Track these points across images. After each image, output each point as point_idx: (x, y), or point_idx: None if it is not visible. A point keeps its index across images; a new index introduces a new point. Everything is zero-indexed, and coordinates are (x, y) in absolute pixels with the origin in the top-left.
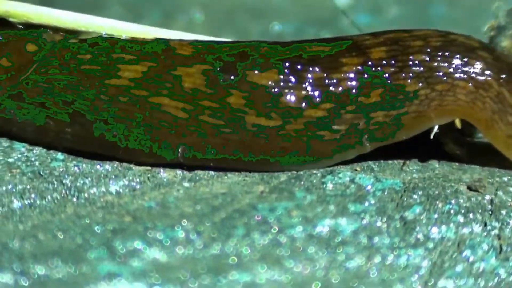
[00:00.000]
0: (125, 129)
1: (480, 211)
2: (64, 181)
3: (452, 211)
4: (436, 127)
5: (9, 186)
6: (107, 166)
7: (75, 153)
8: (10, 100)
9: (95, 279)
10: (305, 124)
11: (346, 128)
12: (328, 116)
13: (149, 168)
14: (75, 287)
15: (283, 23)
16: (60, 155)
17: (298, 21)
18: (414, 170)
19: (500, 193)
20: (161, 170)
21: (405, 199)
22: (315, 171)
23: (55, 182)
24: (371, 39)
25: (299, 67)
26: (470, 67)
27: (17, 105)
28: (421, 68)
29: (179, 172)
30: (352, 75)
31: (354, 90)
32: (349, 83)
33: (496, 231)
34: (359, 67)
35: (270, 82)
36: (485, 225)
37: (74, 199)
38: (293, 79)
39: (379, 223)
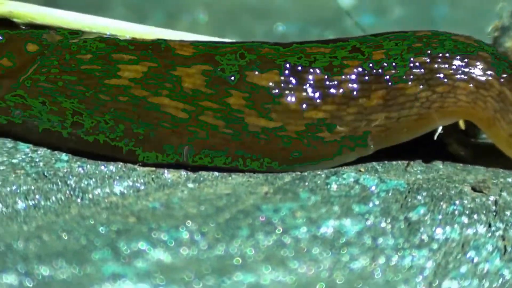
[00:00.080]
0: (125, 129)
1: (484, 212)
2: (68, 182)
3: (456, 212)
4: (440, 128)
5: (14, 187)
6: (112, 167)
7: (80, 154)
8: (11, 100)
9: (99, 280)
10: (306, 126)
11: (347, 130)
12: (329, 118)
13: (153, 169)
14: None
15: (287, 24)
16: (64, 156)
17: (302, 22)
18: (418, 171)
19: (504, 194)
20: (165, 171)
21: (410, 200)
22: (319, 172)
23: (59, 183)
24: (371, 40)
25: (299, 68)
26: (470, 67)
27: (18, 104)
28: (422, 70)
29: (183, 173)
30: (353, 77)
31: (355, 92)
32: (350, 85)
33: (500, 232)
34: (360, 69)
35: (270, 83)
36: (490, 226)
37: (79, 200)
38: (293, 81)
39: (383, 224)
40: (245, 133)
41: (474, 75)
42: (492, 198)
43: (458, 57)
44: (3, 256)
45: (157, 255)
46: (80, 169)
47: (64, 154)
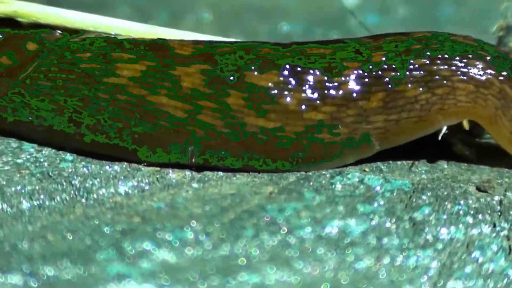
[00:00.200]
0: (123, 128)
1: (489, 212)
2: (73, 182)
3: (461, 212)
4: (445, 128)
5: (18, 187)
6: (116, 167)
7: (84, 154)
8: (12, 99)
9: (104, 280)
10: (305, 127)
11: (347, 132)
12: (329, 119)
13: (158, 169)
14: None
15: (291, 24)
16: (69, 156)
17: (306, 22)
18: (423, 171)
19: (509, 194)
20: (170, 171)
21: (414, 200)
22: (324, 172)
23: (64, 183)
24: (371, 42)
25: (299, 69)
26: (470, 67)
27: (19, 103)
28: (421, 72)
29: (188, 173)
30: (352, 78)
31: (354, 94)
32: (349, 86)
33: (505, 232)
34: (360, 71)
35: (269, 84)
36: (494, 226)
37: (83, 200)
38: (293, 81)
39: (388, 224)
40: (243, 133)
41: (473, 75)
42: (497, 198)
43: (457, 58)
44: (8, 256)
45: (162, 255)
46: (84, 169)
47: (68, 154)
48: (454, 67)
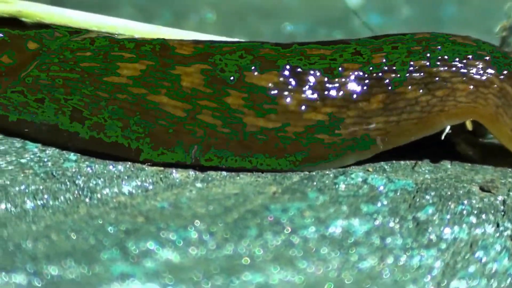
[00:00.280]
0: (124, 127)
1: (492, 211)
2: (77, 182)
3: (464, 212)
4: (448, 127)
5: (22, 187)
6: (120, 166)
7: (88, 153)
8: (13, 98)
9: (108, 280)
10: (305, 127)
11: (347, 133)
12: (329, 120)
13: (162, 168)
14: (88, 287)
15: (294, 24)
16: (72, 156)
17: (310, 22)
18: (427, 171)
19: None
20: (174, 170)
21: (418, 199)
22: (327, 172)
23: (68, 183)
24: (372, 43)
25: (299, 70)
26: (470, 68)
27: (21, 102)
28: (422, 74)
29: (191, 172)
30: (353, 80)
31: (354, 95)
32: (350, 88)
33: (508, 232)
34: (360, 72)
35: (269, 84)
36: (498, 226)
37: (87, 200)
38: (293, 82)
39: (391, 224)
40: (243, 133)
41: (473, 75)
42: (500, 198)
43: (457, 59)
44: (12, 255)
45: (166, 255)
46: (88, 168)
47: (72, 153)
48: (454, 68)
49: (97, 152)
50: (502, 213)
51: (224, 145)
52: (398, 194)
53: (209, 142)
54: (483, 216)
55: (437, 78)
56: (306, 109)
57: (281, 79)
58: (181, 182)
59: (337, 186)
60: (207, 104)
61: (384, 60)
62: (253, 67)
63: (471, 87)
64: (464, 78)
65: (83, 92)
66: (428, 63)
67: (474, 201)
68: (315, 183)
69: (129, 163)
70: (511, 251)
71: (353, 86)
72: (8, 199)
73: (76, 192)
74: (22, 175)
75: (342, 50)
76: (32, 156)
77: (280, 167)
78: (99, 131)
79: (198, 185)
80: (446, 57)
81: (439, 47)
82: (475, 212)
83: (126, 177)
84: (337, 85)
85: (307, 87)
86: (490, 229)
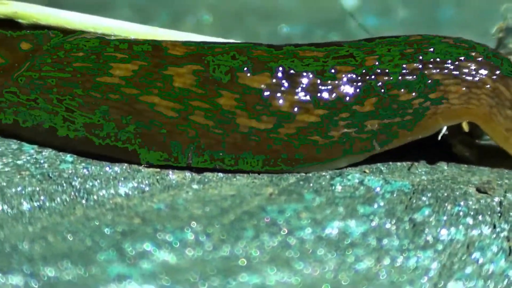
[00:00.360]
0: (116, 127)
1: (489, 213)
2: (73, 183)
3: (461, 213)
4: (445, 128)
5: (19, 188)
6: (116, 168)
7: (84, 155)
8: (7, 98)
9: (104, 281)
10: (297, 129)
11: (339, 135)
12: (321, 122)
13: (158, 170)
14: None
15: (291, 25)
16: (69, 157)
17: (306, 23)
18: (423, 172)
19: (509, 195)
20: (170, 172)
21: (414, 201)
22: (324, 173)
23: (64, 184)
24: (365, 46)
25: (292, 71)
26: (462, 69)
27: (13, 103)
28: (414, 77)
29: (188, 174)
30: (345, 82)
31: (347, 98)
32: (342, 90)
33: (505, 233)
34: (353, 75)
35: (262, 85)
36: (494, 227)
37: (83, 201)
38: (285, 84)
39: (388, 225)
40: (235, 133)
41: (465, 77)
42: (496, 199)
43: (449, 61)
44: (8, 257)
45: (162, 256)
46: (85, 170)
47: (69, 155)
48: (446, 71)
49: (90, 152)
50: (499, 214)
51: (217, 146)
52: (394, 195)
53: (201, 143)
54: (480, 217)
55: (429, 81)
56: (298, 110)
57: (274, 80)
58: (178, 183)
59: (333, 187)
60: (199, 104)
61: (377, 63)
62: (245, 68)
63: (464, 88)
64: (457, 80)
65: (76, 92)
66: (420, 66)
67: (470, 203)
68: (311, 185)
69: (126, 164)
70: (507, 252)
71: (346, 89)
72: (4, 200)
73: (72, 193)
74: (18, 176)
75: (335, 52)
76: (28, 158)
77: (273, 169)
78: (92, 131)
79: (195, 186)
80: (438, 59)
81: (431, 49)
82: (472, 213)
83: (122, 179)
84: (330, 87)
85: (299, 89)
86: (486, 230)
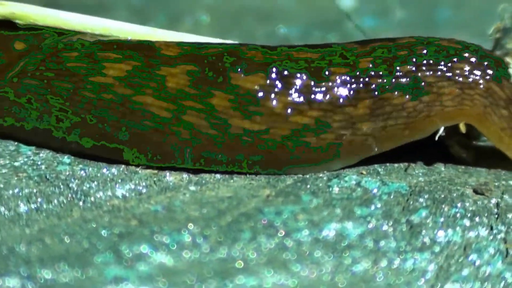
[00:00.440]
0: (109, 127)
1: (486, 214)
2: (70, 185)
3: (458, 215)
4: (442, 129)
5: (16, 190)
6: (113, 170)
7: (82, 156)
8: (1, 98)
9: (101, 283)
10: (291, 130)
11: (333, 137)
12: (315, 124)
13: (155, 171)
14: None
15: (289, 26)
16: (66, 159)
17: (304, 24)
18: (420, 174)
19: (506, 196)
20: (167, 173)
21: (411, 202)
22: (321, 175)
23: (61, 186)
24: (359, 48)
25: (286, 72)
26: (455, 71)
27: (8, 103)
28: (408, 79)
29: (185, 175)
30: (339, 84)
31: (341, 100)
32: (336, 92)
33: (502, 235)
34: (347, 77)
35: (255, 86)
36: (491, 228)
37: (81, 203)
38: (279, 85)
39: (385, 227)
40: (228, 134)
41: (458, 78)
42: (494, 200)
43: (442, 63)
44: (5, 259)
45: (159, 258)
46: (82, 172)
47: (66, 157)
48: (439, 73)
49: (86, 153)
50: (496, 215)
51: (210, 147)
52: (391, 197)
53: (194, 143)
54: (477, 219)
55: (423, 83)
56: (292, 112)
57: (268, 81)
58: (175, 185)
59: (330, 189)
60: (192, 105)
61: (370, 65)
62: (239, 69)
63: (457, 90)
64: (450, 82)
65: (69, 92)
66: (414, 68)
67: (467, 204)
68: (308, 186)
69: (123, 166)
70: (504, 254)
71: (340, 91)
72: (1, 202)
73: (69, 195)
74: (15, 178)
75: (329, 54)
76: (25, 159)
77: (267, 170)
78: (85, 132)
79: (192, 188)
80: (431, 61)
81: (425, 51)
82: (469, 215)
83: (119, 180)
84: (323, 89)
85: (293, 90)
86: (483, 232)
